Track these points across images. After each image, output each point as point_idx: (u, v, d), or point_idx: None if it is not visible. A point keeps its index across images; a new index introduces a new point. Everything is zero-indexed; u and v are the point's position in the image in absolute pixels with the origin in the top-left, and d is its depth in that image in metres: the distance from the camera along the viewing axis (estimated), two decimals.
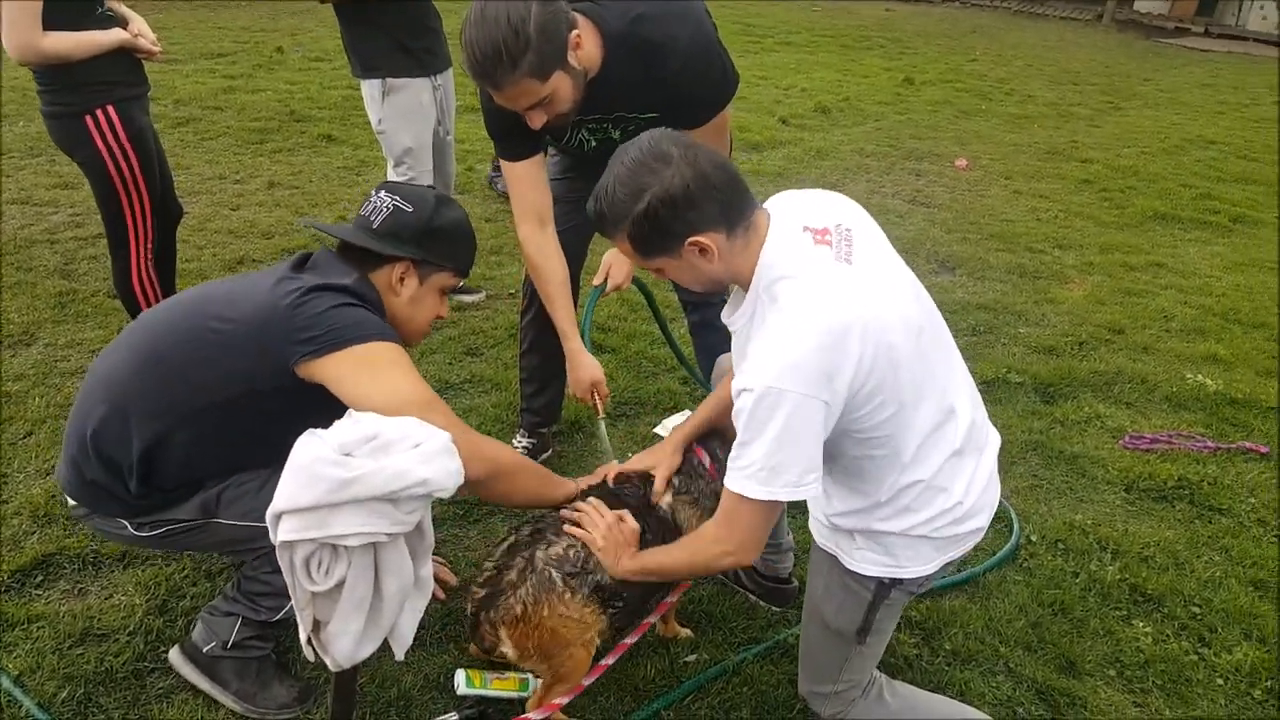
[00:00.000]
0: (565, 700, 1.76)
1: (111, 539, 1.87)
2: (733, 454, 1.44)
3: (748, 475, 1.41)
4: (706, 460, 1.89)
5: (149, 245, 2.84)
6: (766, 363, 1.37)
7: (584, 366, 2.18)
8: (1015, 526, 2.50)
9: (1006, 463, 2.83)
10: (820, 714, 1.79)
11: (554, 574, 1.70)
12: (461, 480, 1.39)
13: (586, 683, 1.79)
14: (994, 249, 4.75)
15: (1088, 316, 3.97)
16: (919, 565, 1.55)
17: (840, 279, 1.42)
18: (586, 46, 1.82)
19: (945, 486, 1.51)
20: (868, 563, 1.56)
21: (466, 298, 3.84)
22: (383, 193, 1.78)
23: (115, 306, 3.39)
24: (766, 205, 1.55)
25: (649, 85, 1.91)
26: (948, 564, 1.58)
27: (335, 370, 1.60)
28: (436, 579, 2.08)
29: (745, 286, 1.50)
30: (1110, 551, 2.47)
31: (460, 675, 1.87)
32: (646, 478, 1.88)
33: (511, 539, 1.81)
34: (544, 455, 2.74)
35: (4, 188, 4.62)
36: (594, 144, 2.11)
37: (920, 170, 6.12)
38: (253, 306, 1.65)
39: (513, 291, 3.92)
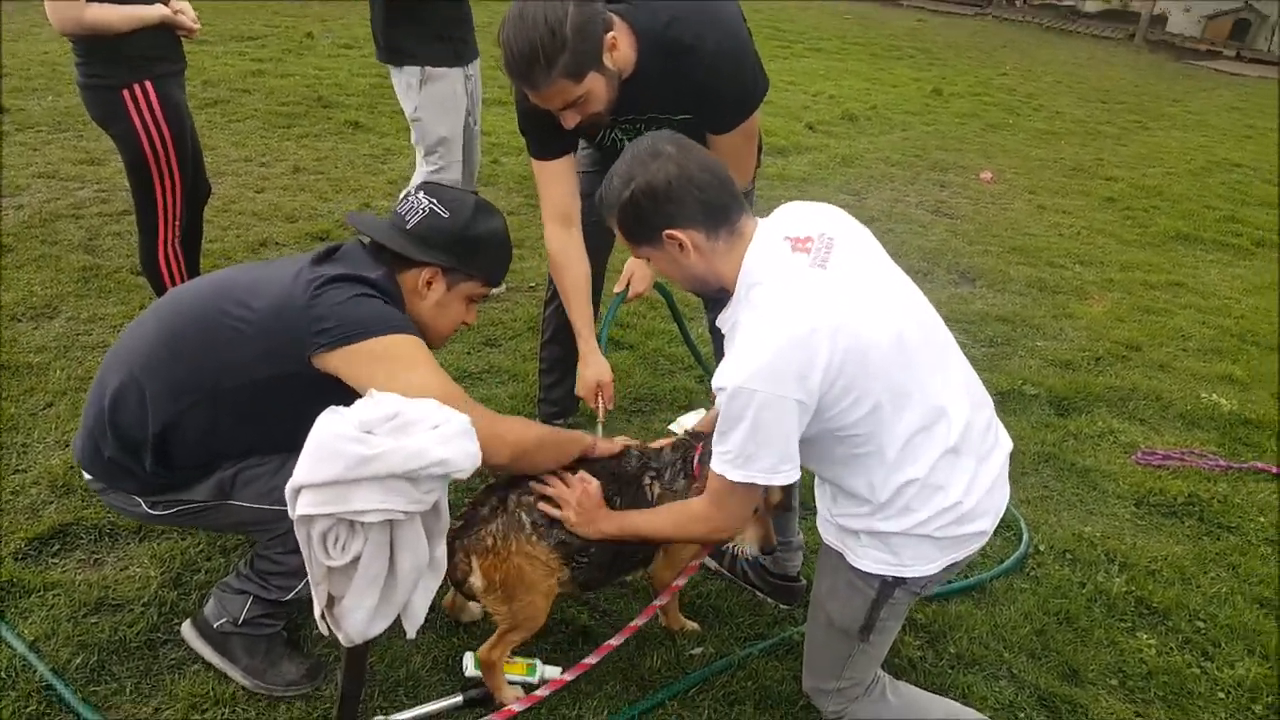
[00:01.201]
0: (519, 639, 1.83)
1: (125, 515, 1.89)
2: (714, 440, 1.54)
3: (726, 460, 1.51)
4: (696, 459, 1.88)
5: (177, 223, 2.88)
6: (738, 364, 1.46)
7: (593, 366, 2.20)
8: (1024, 535, 2.51)
9: (1018, 473, 2.83)
10: (823, 710, 1.81)
11: (524, 517, 1.77)
12: (479, 463, 1.41)
13: (569, 677, 1.80)
14: (1015, 262, 4.74)
15: (1106, 333, 3.96)
16: (922, 565, 1.56)
17: (811, 284, 1.49)
18: (621, 48, 1.84)
19: (942, 485, 1.53)
20: (872, 560, 1.58)
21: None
22: (421, 194, 1.75)
23: (138, 283, 3.44)
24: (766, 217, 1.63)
25: (680, 87, 1.92)
26: (952, 565, 1.59)
27: (351, 363, 1.59)
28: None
29: (732, 290, 1.58)
30: (1118, 564, 2.47)
31: (469, 657, 1.89)
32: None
33: (491, 480, 1.88)
34: None
35: (30, 161, 4.68)
36: (626, 143, 2.11)
37: (945, 181, 6.11)
38: (273, 295, 1.65)
39: (533, 285, 3.95)
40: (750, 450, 1.47)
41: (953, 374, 1.59)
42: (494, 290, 3.81)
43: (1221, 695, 2.08)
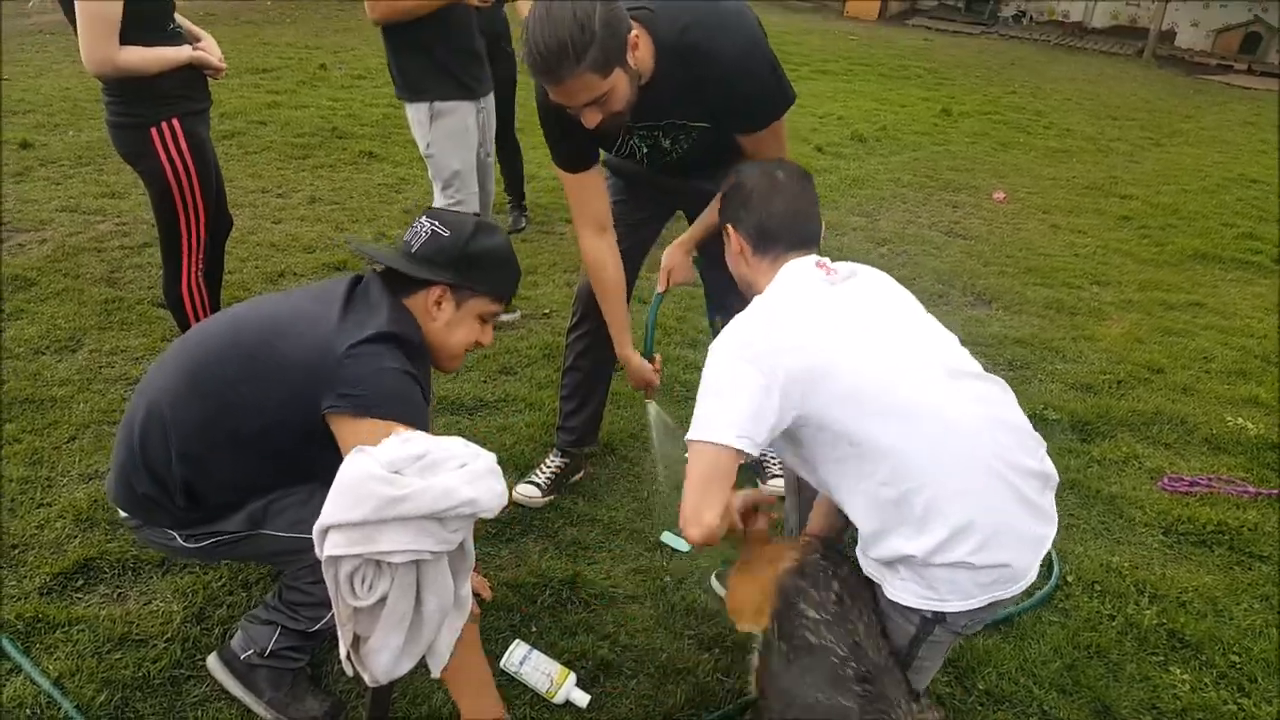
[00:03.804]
0: None
1: (160, 550, 1.89)
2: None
3: (691, 429, 1.54)
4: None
5: (200, 256, 2.90)
6: (721, 336, 1.61)
7: (636, 371, 2.29)
8: (1055, 568, 2.47)
9: None
10: None
11: None
12: (505, 502, 1.41)
13: None
14: (1031, 283, 4.72)
15: (1126, 355, 3.93)
16: (959, 600, 1.53)
17: (815, 286, 1.65)
18: (641, 50, 1.85)
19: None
20: (909, 594, 1.56)
21: (503, 317, 3.87)
22: (424, 218, 1.80)
23: (159, 315, 3.47)
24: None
25: (698, 93, 1.93)
26: (995, 604, 1.55)
27: (351, 431, 1.58)
28: (473, 592, 2.10)
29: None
30: (1148, 595, 2.43)
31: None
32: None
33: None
34: (576, 476, 2.76)
35: (53, 196, 4.75)
36: (645, 150, 2.12)
37: (957, 202, 6.10)
38: (309, 343, 1.63)
39: (547, 312, 3.96)
40: (704, 411, 1.53)
41: (956, 398, 1.56)
42: (507, 317, 3.85)
43: None
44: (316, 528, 1.35)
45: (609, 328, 2.29)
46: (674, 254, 2.32)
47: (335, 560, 1.36)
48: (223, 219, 3.03)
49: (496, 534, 2.49)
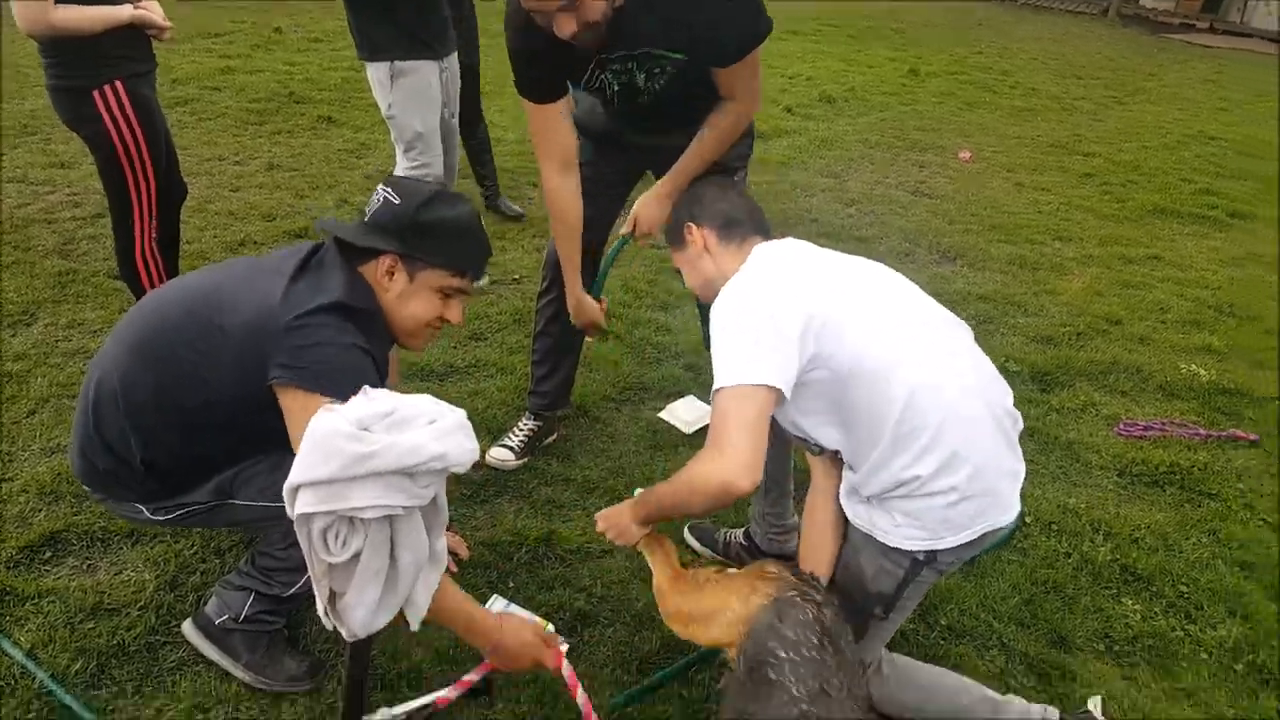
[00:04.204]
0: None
1: (131, 521, 1.89)
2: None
3: (716, 380, 1.55)
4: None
5: (153, 224, 2.85)
6: (723, 293, 1.65)
7: (584, 310, 2.33)
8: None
9: None
10: None
11: None
12: (476, 458, 1.42)
13: (452, 695, 1.72)
14: (995, 240, 4.79)
15: (1086, 308, 4.01)
16: (953, 534, 1.57)
17: (800, 247, 1.74)
18: None
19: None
20: (902, 537, 1.60)
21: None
22: (381, 186, 1.74)
23: (115, 287, 3.41)
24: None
25: (675, 20, 1.89)
26: (985, 536, 1.59)
27: (294, 404, 1.56)
28: (450, 551, 2.12)
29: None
30: (1102, 533, 2.52)
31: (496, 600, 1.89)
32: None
33: None
34: (550, 439, 2.77)
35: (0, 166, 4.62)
36: (616, 88, 2.07)
37: (924, 161, 6.14)
38: (251, 313, 1.60)
39: (516, 277, 3.95)
40: (724, 356, 1.55)
41: (944, 350, 1.64)
42: (478, 283, 3.83)
43: (1205, 656, 2.14)
44: (286, 486, 1.36)
45: (562, 266, 2.29)
46: (647, 202, 2.24)
47: (307, 518, 1.36)
48: (175, 186, 2.97)
49: (471, 495, 2.51)
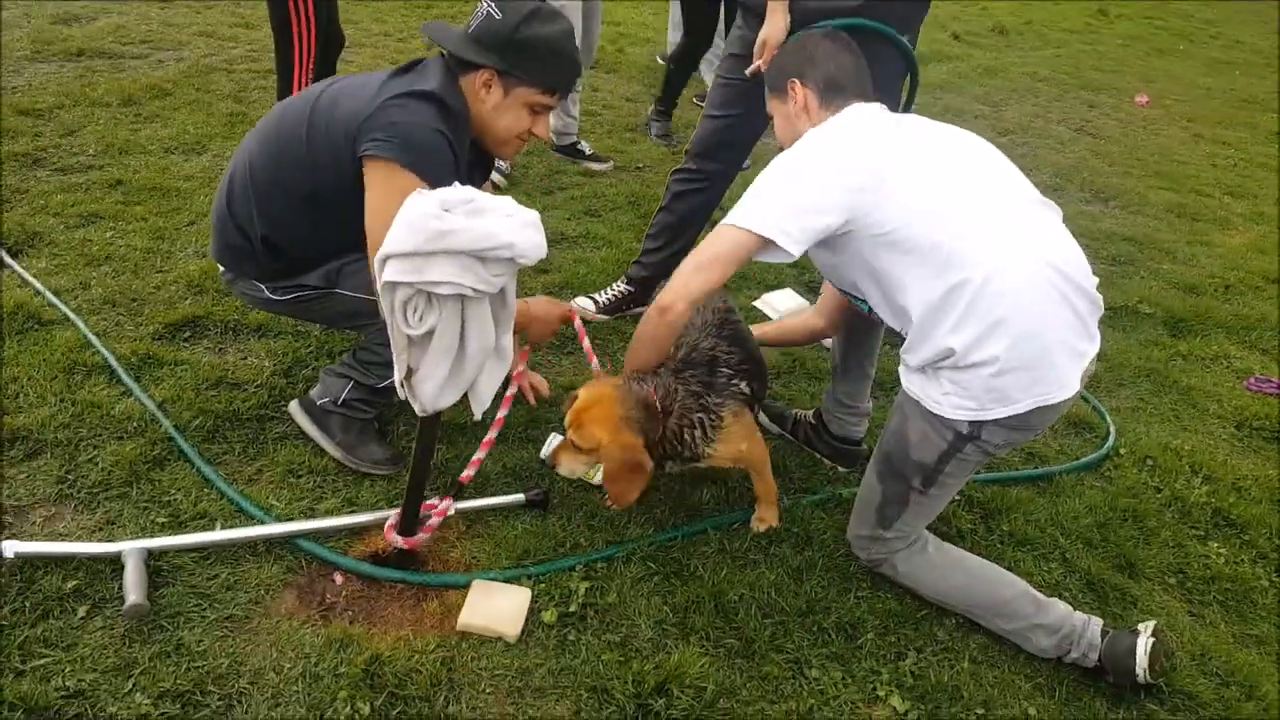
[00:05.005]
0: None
1: (252, 304, 2.10)
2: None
3: (728, 215, 1.64)
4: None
5: (311, 66, 3.08)
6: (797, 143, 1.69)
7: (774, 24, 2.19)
8: (1110, 438, 2.43)
9: (1114, 383, 2.73)
10: (862, 557, 1.85)
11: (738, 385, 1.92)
12: (543, 254, 1.50)
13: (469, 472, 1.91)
14: (1155, 186, 4.42)
15: (1243, 263, 3.68)
16: (1002, 406, 1.55)
17: (881, 117, 1.72)
18: None
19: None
20: (950, 406, 1.59)
21: (595, 165, 3.94)
22: (487, 1, 1.80)
23: None
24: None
25: None
26: (1038, 411, 1.55)
27: (377, 175, 1.70)
28: (532, 388, 2.26)
29: None
30: (1202, 476, 2.37)
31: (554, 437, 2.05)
32: None
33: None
34: (639, 309, 2.83)
35: (193, 22, 5.03)
36: None
37: (1095, 101, 5.69)
38: (355, 100, 1.76)
39: (639, 166, 3.99)
40: (753, 203, 1.60)
41: (1011, 214, 1.61)
42: (599, 166, 3.89)
43: None
44: (378, 257, 1.49)
45: None
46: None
47: (392, 287, 1.49)
48: (334, 35, 3.18)
49: (560, 346, 2.62)
